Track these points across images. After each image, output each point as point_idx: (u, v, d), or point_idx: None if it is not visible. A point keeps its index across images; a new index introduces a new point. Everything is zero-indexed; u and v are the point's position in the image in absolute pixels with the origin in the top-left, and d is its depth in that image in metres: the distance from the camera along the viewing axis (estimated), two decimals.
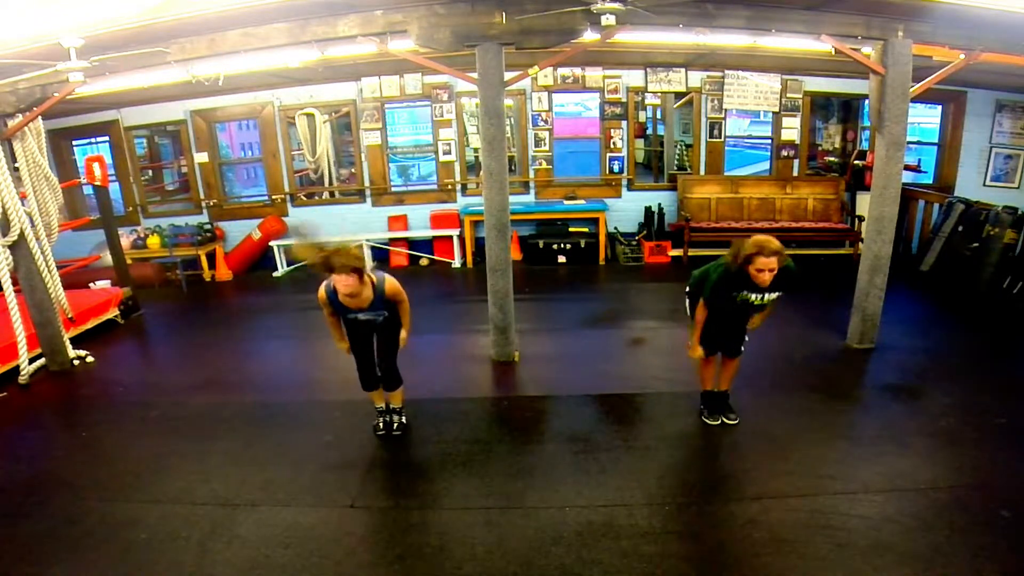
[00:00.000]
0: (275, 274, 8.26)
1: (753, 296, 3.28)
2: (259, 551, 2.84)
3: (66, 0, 3.87)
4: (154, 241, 8.18)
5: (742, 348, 3.70)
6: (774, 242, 3.10)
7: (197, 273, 8.18)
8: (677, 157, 11.01)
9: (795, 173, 8.32)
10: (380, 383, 3.73)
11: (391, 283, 3.38)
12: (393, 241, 8.46)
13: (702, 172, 8.44)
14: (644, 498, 3.13)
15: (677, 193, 8.29)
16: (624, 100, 8.20)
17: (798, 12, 4.26)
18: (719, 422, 3.76)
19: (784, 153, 8.29)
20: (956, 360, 4.79)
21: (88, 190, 7.26)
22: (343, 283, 3.12)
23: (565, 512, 3.04)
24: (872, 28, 4.31)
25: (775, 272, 3.12)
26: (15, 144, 4.82)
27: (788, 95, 8.04)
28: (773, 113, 8.17)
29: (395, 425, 3.84)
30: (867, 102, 4.92)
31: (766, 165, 8.55)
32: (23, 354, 4.85)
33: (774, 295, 3.31)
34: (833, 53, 4.61)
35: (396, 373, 3.73)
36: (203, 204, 8.59)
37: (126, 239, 7.90)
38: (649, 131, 12.48)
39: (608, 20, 3.91)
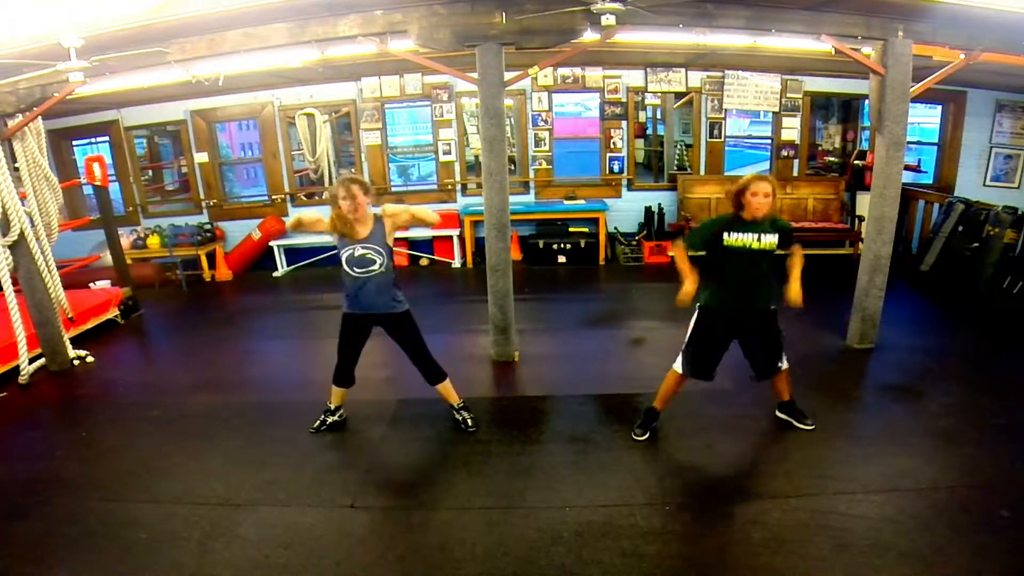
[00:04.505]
0: (275, 274, 8.27)
1: (750, 239, 3.27)
2: (259, 551, 2.84)
3: (66, 0, 3.87)
4: (154, 241, 8.18)
5: (779, 365, 3.60)
6: (767, 176, 3.32)
7: (197, 273, 8.18)
8: (677, 157, 11.00)
9: (795, 173, 8.32)
10: (348, 382, 3.79)
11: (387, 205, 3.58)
12: (393, 241, 8.45)
13: (702, 172, 8.43)
14: (644, 498, 3.13)
15: (677, 193, 8.30)
16: (624, 100, 8.19)
17: (798, 12, 4.26)
18: (645, 438, 3.66)
19: (784, 153, 8.28)
20: (956, 360, 4.78)
21: (88, 190, 7.26)
22: (345, 191, 3.35)
23: (565, 512, 3.04)
24: (872, 28, 4.32)
25: (770, 198, 3.23)
26: (15, 144, 4.82)
27: (788, 95, 8.03)
28: (773, 113, 8.17)
29: (469, 423, 3.85)
30: (867, 102, 4.92)
31: (766, 165, 8.54)
32: (23, 354, 4.85)
33: (772, 238, 3.30)
34: (833, 53, 4.60)
35: (435, 365, 3.79)
36: (203, 204, 8.59)
37: (126, 239, 7.90)
38: (649, 131, 12.48)
39: (608, 20, 3.91)
